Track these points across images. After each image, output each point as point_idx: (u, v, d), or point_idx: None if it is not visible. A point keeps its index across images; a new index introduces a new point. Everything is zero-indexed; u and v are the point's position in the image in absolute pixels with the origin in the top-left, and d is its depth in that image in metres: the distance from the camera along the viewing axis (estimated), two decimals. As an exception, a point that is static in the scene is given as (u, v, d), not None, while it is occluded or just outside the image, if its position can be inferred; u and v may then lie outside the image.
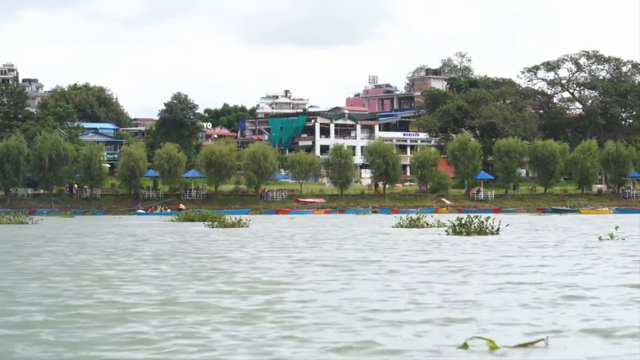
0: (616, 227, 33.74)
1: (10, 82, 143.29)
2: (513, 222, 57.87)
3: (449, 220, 37.63)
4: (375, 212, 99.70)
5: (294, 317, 11.08)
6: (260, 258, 22.63)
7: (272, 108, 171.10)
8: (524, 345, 9.00)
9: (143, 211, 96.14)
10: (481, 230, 35.38)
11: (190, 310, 11.79)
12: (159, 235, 37.59)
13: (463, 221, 35.72)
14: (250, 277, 16.80)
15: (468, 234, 35.10)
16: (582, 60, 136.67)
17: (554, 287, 14.35)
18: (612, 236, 31.93)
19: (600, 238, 32.31)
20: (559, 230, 43.22)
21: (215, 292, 14.11)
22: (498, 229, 35.59)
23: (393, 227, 44.22)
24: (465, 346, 8.92)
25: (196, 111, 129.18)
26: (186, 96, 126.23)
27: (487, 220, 35.72)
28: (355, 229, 45.16)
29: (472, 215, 36.45)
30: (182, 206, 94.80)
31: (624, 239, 31.83)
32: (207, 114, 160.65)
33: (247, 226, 43.72)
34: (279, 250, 25.95)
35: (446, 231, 36.02)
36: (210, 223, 44.47)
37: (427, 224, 42.95)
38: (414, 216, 43.89)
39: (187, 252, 25.41)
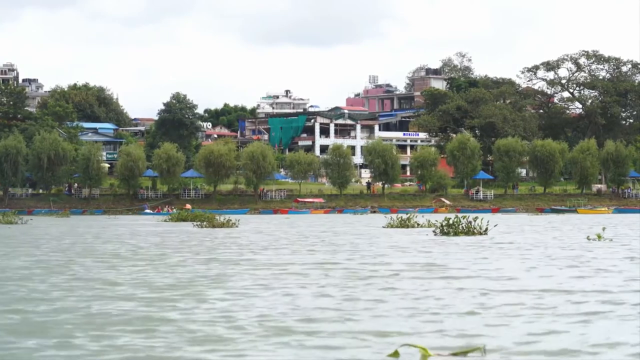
0: (603, 228, 33.49)
1: (11, 82, 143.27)
2: (510, 222, 57.76)
3: (436, 220, 37.41)
4: (375, 211, 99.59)
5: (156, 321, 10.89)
6: (168, 257, 22.62)
7: (273, 108, 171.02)
8: (459, 353, 8.56)
9: (150, 211, 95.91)
10: (469, 231, 35.18)
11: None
12: (133, 236, 37.48)
13: (451, 221, 35.52)
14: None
15: (456, 234, 34.91)
16: (582, 60, 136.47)
17: (510, 293, 14.00)
18: (599, 237, 31.73)
19: (588, 238, 32.15)
20: (549, 230, 42.99)
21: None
22: (486, 229, 35.39)
23: (383, 227, 44.05)
24: (395, 354, 8.52)
25: (195, 111, 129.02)
26: (185, 96, 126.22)
27: (475, 221, 35.54)
28: (343, 229, 44.96)
29: (459, 215, 36.23)
30: (188, 206, 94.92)
31: (611, 240, 31.65)
32: (207, 114, 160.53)
33: (236, 226, 43.60)
34: (221, 252, 25.58)
35: (434, 231, 35.83)
36: (198, 223, 44.35)
37: (418, 224, 42.74)
38: (404, 216, 43.70)
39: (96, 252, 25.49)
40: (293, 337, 9.76)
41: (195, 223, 45.71)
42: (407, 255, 23.45)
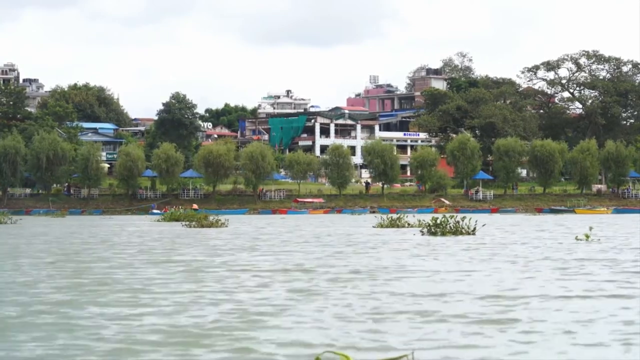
0: (590, 228, 33.35)
1: (11, 82, 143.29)
2: (505, 222, 57.60)
3: (423, 220, 37.28)
4: (374, 212, 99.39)
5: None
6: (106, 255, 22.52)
7: (274, 108, 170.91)
8: None
9: (157, 211, 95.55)
10: (457, 231, 35.06)
11: None
12: (111, 236, 37.39)
13: (438, 221, 35.40)
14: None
15: (443, 234, 34.80)
16: (582, 60, 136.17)
17: (444, 297, 13.81)
18: (587, 237, 31.61)
19: (577, 238, 32.05)
20: (539, 231, 42.85)
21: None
22: (474, 229, 35.26)
23: (374, 227, 43.93)
24: None
25: (195, 111, 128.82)
26: (185, 96, 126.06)
27: (463, 220, 35.41)
28: (333, 229, 44.79)
29: (447, 215, 36.12)
30: (195, 206, 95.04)
31: (599, 240, 31.53)
32: (207, 114, 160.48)
33: (226, 226, 43.46)
34: (173, 252, 25.61)
35: (421, 231, 35.70)
36: (187, 223, 44.20)
37: (409, 224, 42.61)
38: (394, 216, 43.60)
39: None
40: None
41: (183, 223, 45.60)
42: (365, 257, 23.21)
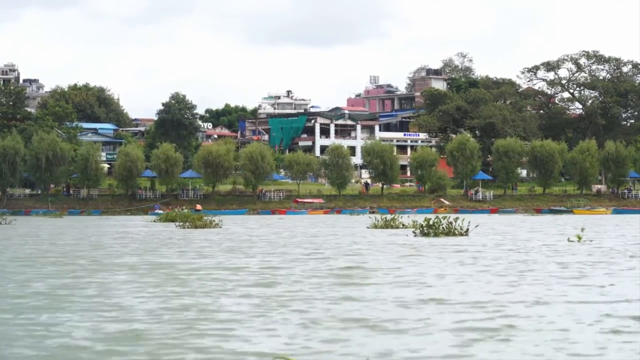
0: (582, 229, 33.26)
1: (12, 82, 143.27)
2: (502, 222, 57.50)
3: (415, 221, 37.16)
4: (374, 212, 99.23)
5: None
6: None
7: (274, 108, 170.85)
8: None
9: (161, 211, 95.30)
10: (450, 232, 34.95)
11: None
12: (97, 237, 37.38)
13: (431, 222, 35.29)
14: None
15: (436, 235, 34.69)
16: (582, 61, 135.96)
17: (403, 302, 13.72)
18: (579, 238, 31.53)
19: (569, 239, 31.99)
20: (534, 232, 42.77)
21: None
22: (467, 230, 35.16)
23: (368, 227, 43.85)
24: None
25: (195, 111, 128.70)
26: (184, 96, 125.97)
27: (455, 221, 35.31)
28: (326, 230, 44.70)
29: (441, 216, 36.02)
30: (198, 206, 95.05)
31: (591, 241, 31.46)
32: (207, 114, 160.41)
33: (220, 227, 43.37)
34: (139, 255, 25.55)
35: (414, 232, 35.60)
36: (181, 223, 44.13)
37: (403, 225, 42.48)
38: (389, 216, 43.50)
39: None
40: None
41: (177, 223, 45.52)
42: (341, 259, 23.09)
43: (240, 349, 9.60)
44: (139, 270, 19.63)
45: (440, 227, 35.08)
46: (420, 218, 43.17)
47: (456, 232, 35.00)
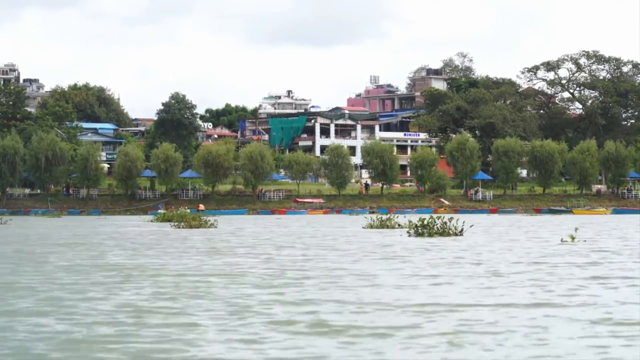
0: (576, 229, 33.19)
1: (12, 82, 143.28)
2: (501, 222, 57.43)
3: (410, 221, 37.05)
4: (374, 212, 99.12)
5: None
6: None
7: (275, 108, 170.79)
8: None
9: (164, 211, 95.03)
10: (444, 232, 34.89)
11: None
12: (88, 237, 37.33)
13: (425, 222, 35.22)
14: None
15: (430, 235, 34.64)
16: (582, 60, 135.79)
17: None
18: (572, 238, 31.45)
19: (562, 240, 31.88)
20: (529, 232, 42.72)
21: None
22: (462, 230, 35.09)
23: (363, 227, 43.80)
24: None
25: (195, 111, 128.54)
26: (184, 96, 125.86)
27: (450, 221, 35.24)
28: (320, 230, 44.64)
29: (434, 216, 35.94)
30: (201, 207, 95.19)
31: (584, 241, 31.38)
32: (208, 114, 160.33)
33: (215, 227, 43.32)
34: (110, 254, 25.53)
35: (408, 232, 35.54)
36: (176, 223, 44.08)
37: (399, 225, 42.39)
38: (384, 216, 43.43)
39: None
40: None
41: (172, 223, 45.48)
42: (314, 260, 22.98)
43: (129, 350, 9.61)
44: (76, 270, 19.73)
45: (435, 227, 35.02)
46: (413, 218, 43.05)
47: (450, 232, 34.93)
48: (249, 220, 70.39)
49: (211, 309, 13.12)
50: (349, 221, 63.22)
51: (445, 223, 35.01)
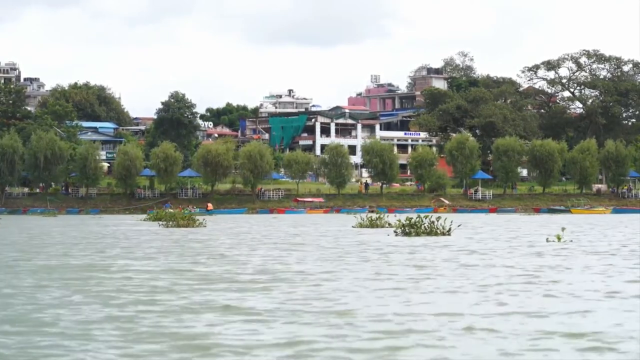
0: (563, 229, 33.01)
1: (13, 81, 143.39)
2: (496, 222, 57.26)
3: (398, 220, 36.87)
4: (373, 211, 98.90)
5: None
6: None
7: (276, 107, 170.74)
8: None
9: (172, 210, 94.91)
10: (432, 231, 34.72)
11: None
12: (66, 236, 37.23)
13: (413, 221, 35.06)
14: None
15: (417, 234, 34.48)
16: (583, 60, 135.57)
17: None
18: (559, 238, 31.29)
19: (547, 239, 31.72)
20: (518, 231, 42.56)
21: None
22: (449, 229, 34.92)
23: (353, 227, 43.67)
24: None
25: (194, 110, 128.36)
26: (183, 95, 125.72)
27: (438, 221, 35.05)
28: (309, 229, 44.51)
29: (422, 215, 35.76)
30: (210, 206, 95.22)
31: (571, 241, 31.21)
32: (208, 113, 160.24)
33: (204, 226, 43.21)
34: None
35: (395, 232, 35.38)
36: (164, 223, 43.97)
37: (389, 224, 42.23)
38: (374, 216, 43.28)
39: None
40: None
41: (160, 223, 45.37)
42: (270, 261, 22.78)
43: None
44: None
45: (422, 226, 34.85)
46: (395, 217, 42.89)
47: (438, 231, 34.76)
48: (245, 219, 70.29)
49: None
50: (345, 220, 63.10)
51: (433, 222, 34.82)
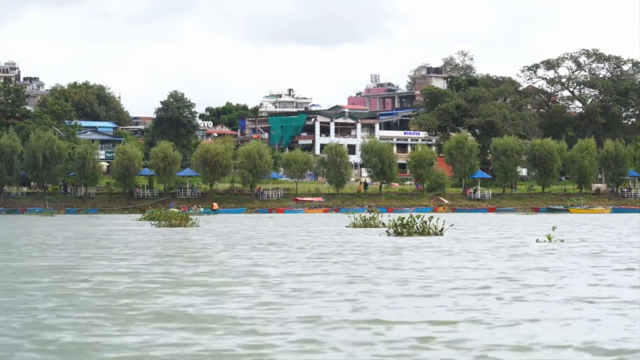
0: (554, 228, 32.88)
1: (12, 80, 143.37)
2: (491, 222, 57.12)
3: (390, 220, 36.74)
4: (372, 211, 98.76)
5: None
6: None
7: (276, 107, 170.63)
8: None
9: (176, 210, 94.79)
10: (424, 231, 34.58)
11: None
12: (46, 235, 37.12)
13: (405, 221, 34.91)
14: None
15: (409, 234, 34.34)
16: (582, 59, 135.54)
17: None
18: (549, 238, 31.15)
19: (537, 240, 31.56)
20: (510, 230, 42.42)
21: None
22: (442, 229, 34.79)
23: (347, 226, 43.55)
24: None
25: (193, 109, 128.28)
26: (182, 94, 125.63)
27: (430, 220, 34.91)
28: (297, 229, 44.34)
29: (414, 214, 35.63)
30: (215, 205, 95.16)
31: (562, 241, 31.05)
32: (208, 113, 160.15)
33: (197, 226, 43.11)
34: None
35: (387, 231, 35.25)
36: (157, 222, 43.86)
37: (383, 224, 42.08)
38: (368, 215, 43.15)
39: None
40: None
41: (153, 222, 45.27)
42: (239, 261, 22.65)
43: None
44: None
45: (414, 226, 34.70)
46: (389, 217, 42.67)
47: (430, 231, 34.62)
48: (242, 219, 70.11)
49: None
50: (341, 220, 63.01)
51: (425, 222, 34.68)
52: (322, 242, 31.09)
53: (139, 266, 20.63)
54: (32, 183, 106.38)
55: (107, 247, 28.54)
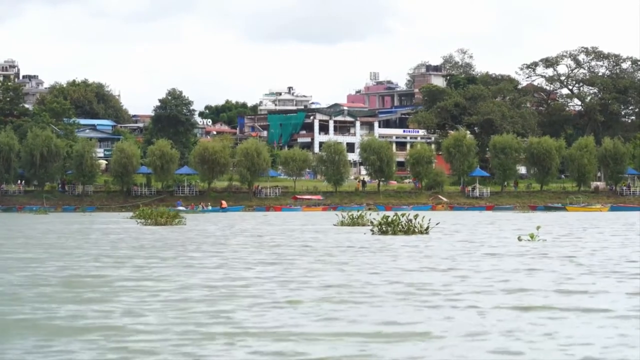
0: (538, 227, 32.65)
1: (11, 78, 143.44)
2: (486, 220, 56.95)
3: (374, 219, 36.55)
4: (370, 209, 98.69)
5: None
6: None
7: (275, 105, 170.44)
8: None
9: (183, 208, 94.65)
10: (409, 229, 34.38)
11: None
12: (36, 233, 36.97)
13: (389, 220, 34.71)
14: None
15: (394, 233, 34.13)
16: (582, 57, 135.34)
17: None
18: (532, 237, 30.91)
19: (519, 238, 31.25)
20: (496, 230, 42.23)
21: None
22: (427, 228, 34.58)
23: (334, 225, 43.37)
24: None
25: (192, 107, 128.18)
26: (181, 92, 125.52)
27: (415, 219, 34.70)
28: (284, 227, 44.19)
29: (399, 213, 35.43)
30: (224, 204, 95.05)
31: (545, 240, 30.81)
32: (207, 110, 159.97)
33: (184, 224, 42.94)
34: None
35: (371, 230, 35.05)
36: (142, 220, 43.66)
37: (371, 222, 41.84)
38: (356, 214, 42.94)
39: None
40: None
41: (138, 220, 45.08)
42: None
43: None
44: None
45: (399, 225, 34.49)
46: (378, 215, 42.36)
47: (415, 230, 34.42)
48: (234, 217, 69.97)
49: None
50: (336, 219, 62.86)
51: (410, 221, 34.47)
52: (291, 242, 30.70)
53: (84, 268, 19.78)
54: (23, 181, 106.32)
55: (79, 246, 28.22)
